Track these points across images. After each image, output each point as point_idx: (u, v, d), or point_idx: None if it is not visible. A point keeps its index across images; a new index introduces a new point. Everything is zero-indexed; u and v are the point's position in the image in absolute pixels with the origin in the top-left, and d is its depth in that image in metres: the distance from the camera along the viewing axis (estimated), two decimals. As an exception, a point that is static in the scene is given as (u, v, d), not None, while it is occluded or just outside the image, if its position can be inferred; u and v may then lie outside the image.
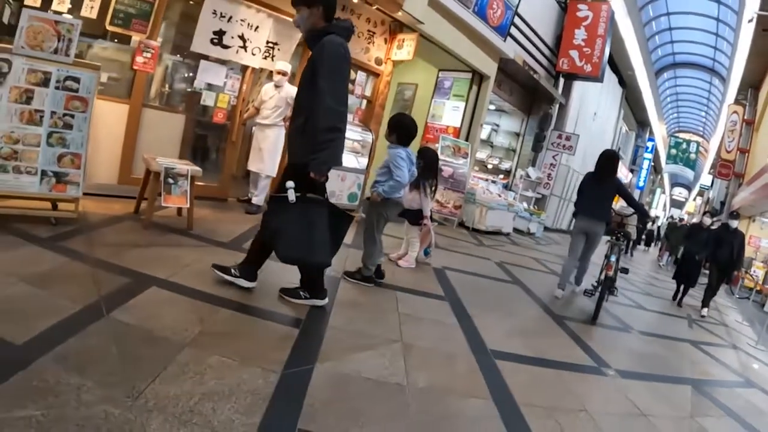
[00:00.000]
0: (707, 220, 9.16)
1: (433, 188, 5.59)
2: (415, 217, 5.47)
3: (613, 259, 5.79)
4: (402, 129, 4.36)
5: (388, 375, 2.70)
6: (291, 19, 6.26)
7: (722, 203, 19.78)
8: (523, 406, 2.77)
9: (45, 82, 3.80)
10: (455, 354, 3.34)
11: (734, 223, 8.28)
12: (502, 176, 14.29)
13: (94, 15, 4.87)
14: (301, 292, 3.37)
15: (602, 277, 5.78)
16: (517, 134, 14.63)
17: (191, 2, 5.84)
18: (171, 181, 4.47)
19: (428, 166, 5.39)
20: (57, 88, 3.86)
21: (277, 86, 6.10)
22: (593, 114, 18.07)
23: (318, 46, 3.01)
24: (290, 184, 2.95)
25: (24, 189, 3.82)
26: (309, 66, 3.09)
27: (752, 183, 14.01)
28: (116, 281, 3.02)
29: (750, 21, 12.91)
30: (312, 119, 3.00)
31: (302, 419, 2.06)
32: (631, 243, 15.13)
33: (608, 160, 6.13)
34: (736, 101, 19.26)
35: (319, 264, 3.25)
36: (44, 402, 1.79)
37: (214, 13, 5.66)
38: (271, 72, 6.36)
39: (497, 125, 14.96)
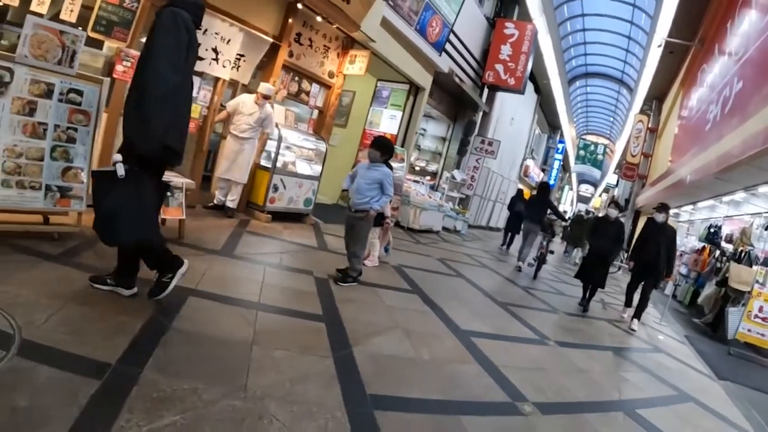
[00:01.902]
0: (613, 212, 7.98)
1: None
2: (377, 220, 6.34)
3: (544, 243, 10.23)
4: (390, 152, 5.19)
5: (403, 352, 3.61)
6: (259, 33, 6.93)
7: (627, 201, 22.35)
8: (501, 368, 3.85)
9: (48, 94, 3.79)
10: (440, 334, 4.34)
11: (660, 217, 7.29)
12: (428, 177, 15.52)
13: (73, 19, 4.99)
14: (108, 279, 3.24)
15: (539, 254, 10.14)
16: (444, 139, 16.02)
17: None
18: (168, 194, 4.82)
19: None
20: (60, 100, 3.85)
21: (258, 104, 6.68)
22: (511, 119, 19.86)
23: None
24: (118, 157, 2.88)
25: (28, 204, 3.83)
26: (147, 39, 3.04)
27: (656, 184, 16.02)
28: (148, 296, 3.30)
29: (659, 46, 14.98)
30: (143, 90, 2.88)
31: (367, 387, 2.88)
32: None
33: (544, 187, 10.99)
34: (642, 111, 21.89)
35: (157, 241, 3.21)
36: (176, 408, 2.17)
37: (191, 25, 6.11)
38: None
39: (425, 130, 16.15)
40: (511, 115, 19.74)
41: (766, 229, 9.90)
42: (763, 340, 7.37)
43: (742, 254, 9.66)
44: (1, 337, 2.36)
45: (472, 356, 3.96)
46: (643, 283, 7.47)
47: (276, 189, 7.34)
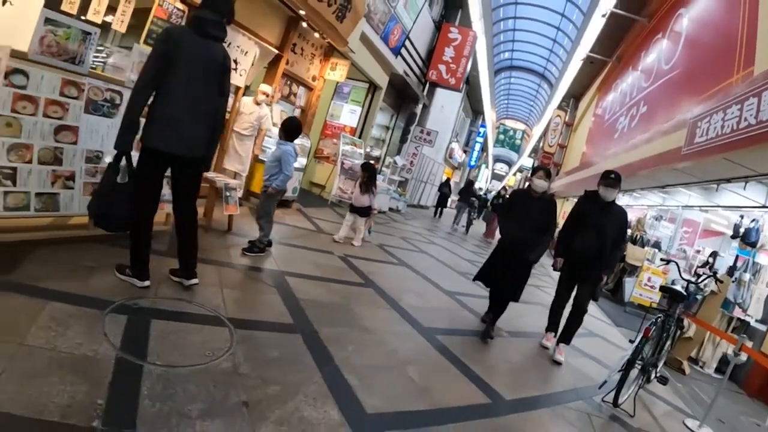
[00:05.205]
0: (542, 184, 5.33)
1: (376, 189, 8.46)
2: (365, 211, 8.20)
3: (473, 215, 18.28)
4: (295, 130, 5.76)
5: (425, 304, 5.80)
6: (267, 45, 8.49)
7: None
8: (481, 312, 6.01)
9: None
10: (437, 294, 6.63)
11: (611, 194, 5.19)
12: (372, 162, 17.50)
13: (123, 29, 5.97)
14: (128, 269, 3.69)
15: (467, 219, 18.02)
16: (387, 127, 18.22)
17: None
18: (227, 194, 6.29)
19: (372, 176, 8.21)
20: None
21: (258, 104, 8.07)
22: (441, 107, 22.28)
23: None
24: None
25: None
26: None
27: (571, 173, 18.92)
28: (264, 277, 4.84)
29: (582, 59, 17.80)
30: None
31: (423, 324, 4.93)
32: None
33: (470, 182, 18.97)
34: (560, 107, 25.15)
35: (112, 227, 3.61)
36: (348, 340, 3.80)
37: (222, 38, 7.47)
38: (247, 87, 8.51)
39: (372, 118, 18.24)
40: (442, 104, 22.15)
41: (656, 219, 12.99)
42: (649, 302, 10.27)
43: (637, 238, 12.66)
44: (215, 319, 3.50)
45: (461, 306, 6.30)
46: (575, 291, 5.51)
47: (275, 180, 9.04)
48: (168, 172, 3.77)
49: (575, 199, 19.70)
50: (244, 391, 2.71)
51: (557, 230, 5.94)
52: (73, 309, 3.01)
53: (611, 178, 5.14)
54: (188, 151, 3.58)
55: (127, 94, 4.33)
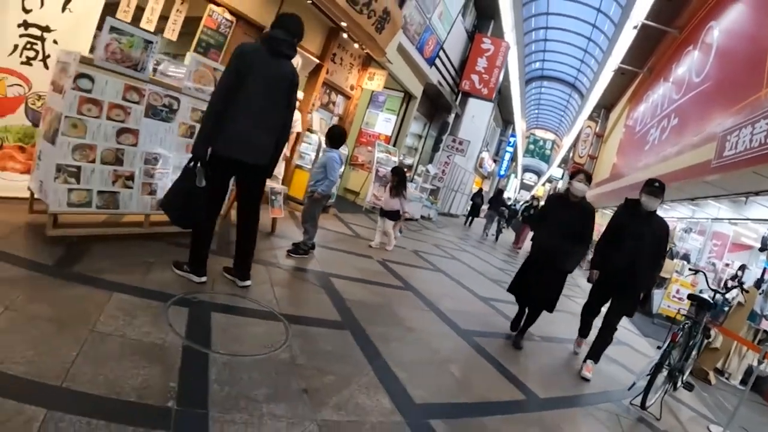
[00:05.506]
0: (581, 187, 4.98)
1: (406, 193, 8.53)
2: (394, 215, 8.16)
3: (503, 223, 18.43)
4: (339, 137, 6.02)
5: (461, 308, 5.86)
6: (309, 55, 8.71)
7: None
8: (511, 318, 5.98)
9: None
10: (472, 299, 6.68)
11: (654, 204, 4.81)
12: (405, 170, 17.68)
13: (174, 37, 6.31)
14: (185, 266, 3.89)
15: (497, 228, 18.26)
16: (420, 136, 18.31)
17: (250, 37, 7.33)
18: (273, 197, 6.44)
19: (401, 180, 8.24)
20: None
21: None
22: (472, 116, 22.29)
23: None
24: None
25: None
26: None
27: (601, 185, 18.87)
28: (310, 277, 5.03)
29: (613, 71, 17.71)
30: None
31: (460, 326, 5.05)
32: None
33: (500, 191, 19.77)
34: (591, 117, 24.93)
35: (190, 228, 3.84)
36: (392, 337, 4.02)
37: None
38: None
39: (404, 127, 18.40)
40: (473, 113, 22.14)
41: (686, 232, 12.81)
42: (675, 312, 10.14)
43: (666, 249, 12.44)
44: (270, 314, 3.69)
45: (495, 311, 6.36)
46: (609, 304, 5.20)
47: (315, 186, 9.22)
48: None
49: (605, 211, 20.31)
50: (303, 379, 2.88)
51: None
52: (137, 300, 3.21)
53: (655, 187, 4.77)
54: (256, 159, 3.76)
55: (184, 101, 4.68)
